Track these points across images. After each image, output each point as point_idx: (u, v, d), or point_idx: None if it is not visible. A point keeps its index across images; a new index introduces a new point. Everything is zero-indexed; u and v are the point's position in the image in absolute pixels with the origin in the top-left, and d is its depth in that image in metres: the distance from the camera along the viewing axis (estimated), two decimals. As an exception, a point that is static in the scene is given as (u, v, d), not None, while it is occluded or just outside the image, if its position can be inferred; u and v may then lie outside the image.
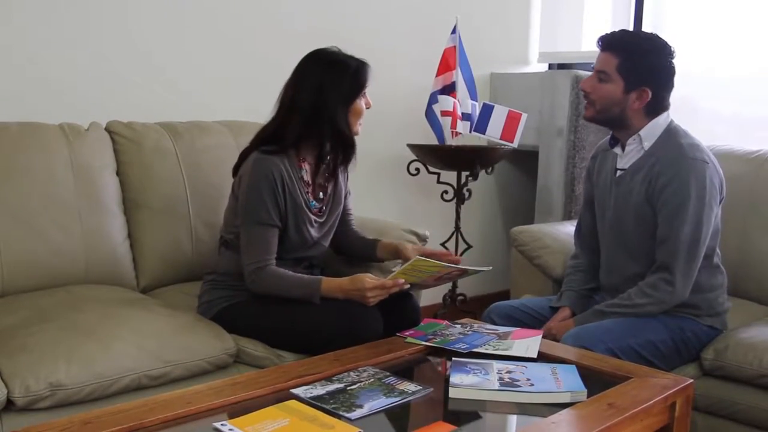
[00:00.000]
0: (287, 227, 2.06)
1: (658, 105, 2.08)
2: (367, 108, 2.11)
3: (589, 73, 2.14)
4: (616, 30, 2.12)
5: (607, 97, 2.07)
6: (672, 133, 2.09)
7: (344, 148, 2.10)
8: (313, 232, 2.13)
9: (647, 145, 2.09)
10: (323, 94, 2.03)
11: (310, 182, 2.12)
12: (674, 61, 2.07)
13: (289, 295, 2.00)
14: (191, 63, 2.80)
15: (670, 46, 2.07)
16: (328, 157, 2.14)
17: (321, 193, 2.17)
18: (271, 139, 2.08)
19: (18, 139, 2.18)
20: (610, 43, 2.08)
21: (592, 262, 2.30)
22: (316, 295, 1.97)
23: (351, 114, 2.07)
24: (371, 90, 2.11)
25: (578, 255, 2.35)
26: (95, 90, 2.57)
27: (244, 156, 2.11)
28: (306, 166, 2.12)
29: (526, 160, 3.75)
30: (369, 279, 1.93)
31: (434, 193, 3.42)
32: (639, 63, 2.04)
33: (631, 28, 3.69)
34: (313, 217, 2.13)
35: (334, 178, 2.20)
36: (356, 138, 2.12)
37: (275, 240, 2.04)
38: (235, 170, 2.13)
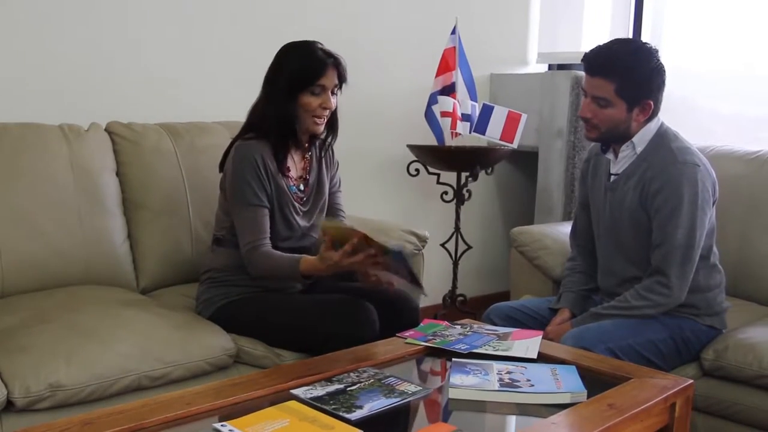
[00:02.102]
0: (274, 213, 2.07)
1: (658, 108, 2.08)
2: (324, 108, 2.06)
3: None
4: (599, 49, 2.05)
5: (612, 120, 2.05)
6: (663, 137, 2.09)
7: (286, 136, 2.09)
8: (300, 221, 2.14)
9: (639, 149, 2.09)
10: (274, 82, 2.07)
11: (290, 168, 2.14)
12: (661, 59, 2.05)
13: (280, 275, 2.01)
14: (191, 64, 2.80)
15: (655, 48, 2.05)
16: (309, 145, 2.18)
17: (302, 185, 2.17)
18: (249, 127, 2.12)
19: (18, 140, 2.18)
20: (600, 68, 2.02)
21: (589, 263, 2.30)
22: (298, 275, 1.95)
23: (299, 109, 2.06)
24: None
25: (575, 257, 2.35)
26: (95, 91, 2.57)
27: (228, 150, 2.14)
28: (283, 147, 2.12)
29: (526, 160, 3.75)
30: (333, 254, 1.82)
31: (434, 193, 3.42)
32: (636, 81, 2.02)
33: (630, 27, 3.70)
34: (297, 205, 2.14)
35: (317, 168, 2.20)
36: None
37: (266, 220, 2.04)
38: (221, 166, 2.15)
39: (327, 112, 2.09)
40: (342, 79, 2.10)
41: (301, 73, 2.04)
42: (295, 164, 2.16)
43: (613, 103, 2.03)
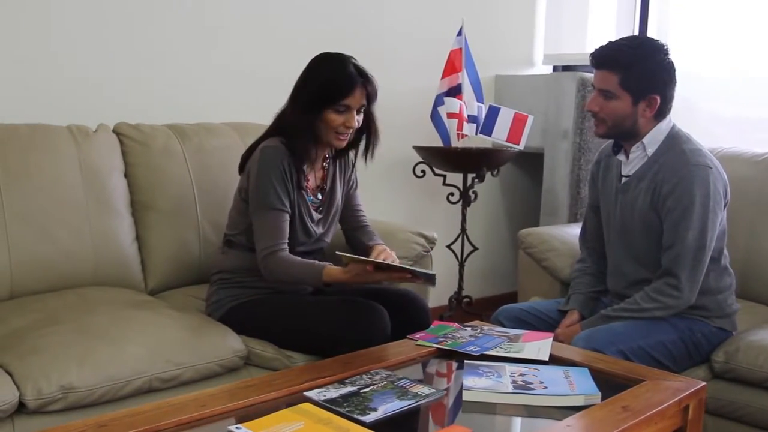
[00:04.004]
0: (293, 219, 2.07)
1: (667, 106, 2.08)
2: (347, 126, 2.03)
3: (590, 74, 2.14)
4: (605, 44, 2.07)
5: (617, 113, 2.06)
6: (674, 138, 2.09)
7: (307, 147, 2.07)
8: (316, 228, 2.14)
9: (650, 151, 2.09)
10: (301, 93, 2.06)
11: (308, 178, 2.13)
12: (670, 56, 2.05)
13: (298, 281, 2.00)
14: (198, 65, 2.79)
15: (663, 45, 2.06)
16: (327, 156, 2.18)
17: (320, 194, 2.17)
18: (275, 131, 2.10)
19: (27, 141, 2.18)
20: (604, 60, 2.05)
21: (598, 266, 2.29)
22: (319, 282, 1.95)
23: (321, 123, 2.03)
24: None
25: (585, 259, 2.34)
26: (103, 92, 2.57)
27: (250, 151, 2.12)
28: (306, 157, 2.11)
29: (532, 162, 3.75)
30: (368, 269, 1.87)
31: (440, 195, 3.41)
32: (640, 74, 2.02)
33: (636, 29, 3.70)
34: (314, 213, 2.14)
35: (331, 177, 2.19)
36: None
37: (286, 225, 2.03)
38: (242, 167, 2.14)
39: (350, 131, 2.06)
40: (370, 99, 2.06)
41: (327, 89, 2.00)
42: (314, 173, 2.15)
43: (617, 95, 2.04)
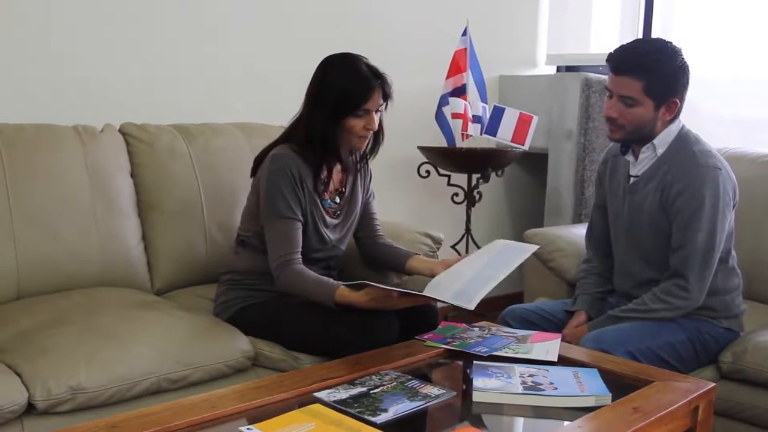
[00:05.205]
0: (307, 226, 2.05)
1: (681, 107, 2.07)
2: (368, 129, 2.02)
3: (600, 76, 2.13)
4: (624, 49, 2.04)
5: (639, 119, 2.03)
6: (684, 139, 2.08)
7: (328, 155, 2.05)
8: (331, 234, 2.13)
9: (660, 151, 2.09)
10: (317, 101, 2.02)
11: (326, 181, 2.11)
12: (685, 58, 2.04)
13: (308, 296, 1.97)
14: (203, 65, 2.79)
15: (678, 47, 2.04)
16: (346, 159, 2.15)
17: (338, 197, 2.16)
18: (288, 138, 2.09)
19: (33, 141, 2.17)
20: (627, 67, 2.01)
21: (605, 266, 2.29)
22: (331, 302, 1.91)
23: (342, 130, 2.02)
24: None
25: (591, 259, 2.34)
26: (108, 92, 2.57)
27: (261, 156, 2.11)
28: (325, 166, 2.09)
29: (536, 162, 3.74)
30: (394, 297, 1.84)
31: (445, 195, 3.41)
32: (663, 79, 2.00)
33: (640, 29, 3.70)
34: (328, 218, 2.12)
35: (351, 182, 2.19)
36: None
37: (299, 234, 2.01)
38: (254, 171, 2.13)
39: (370, 132, 2.04)
40: (387, 98, 2.04)
41: (345, 97, 1.98)
42: (332, 177, 2.13)
43: (640, 101, 2.02)
